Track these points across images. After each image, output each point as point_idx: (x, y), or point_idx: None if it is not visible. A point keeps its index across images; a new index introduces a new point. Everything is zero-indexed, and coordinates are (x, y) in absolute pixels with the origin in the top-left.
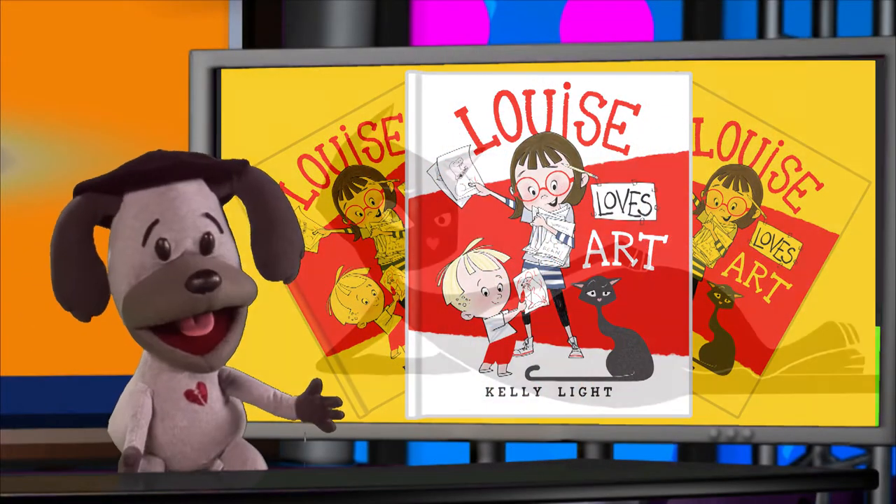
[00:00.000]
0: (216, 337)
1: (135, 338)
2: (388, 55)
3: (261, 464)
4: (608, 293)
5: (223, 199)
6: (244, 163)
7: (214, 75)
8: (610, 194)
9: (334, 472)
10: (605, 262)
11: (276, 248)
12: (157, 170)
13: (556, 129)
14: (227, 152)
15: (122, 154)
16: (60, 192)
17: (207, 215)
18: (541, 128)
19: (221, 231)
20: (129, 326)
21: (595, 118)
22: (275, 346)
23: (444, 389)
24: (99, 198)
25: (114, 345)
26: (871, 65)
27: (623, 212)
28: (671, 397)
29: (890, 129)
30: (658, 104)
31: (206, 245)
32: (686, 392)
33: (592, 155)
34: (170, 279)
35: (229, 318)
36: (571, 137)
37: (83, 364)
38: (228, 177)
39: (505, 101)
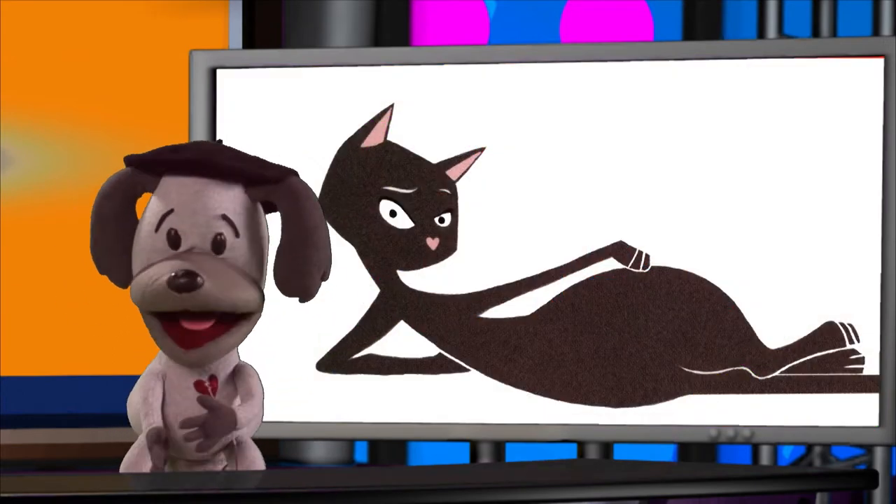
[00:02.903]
0: (210, 335)
1: (143, 319)
2: (388, 55)
3: (259, 465)
4: None
5: (265, 205)
6: (285, 171)
7: (214, 75)
8: None
9: (334, 472)
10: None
11: (293, 264)
12: (187, 161)
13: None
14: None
15: (122, 154)
16: (60, 192)
17: (224, 217)
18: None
19: (238, 235)
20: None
21: None
22: (274, 345)
23: (444, 389)
24: (140, 175)
25: (114, 345)
26: (874, 64)
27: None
28: (671, 397)
29: (891, 128)
30: None
31: (216, 246)
32: (686, 392)
33: None
34: (159, 273)
35: (231, 324)
36: None
37: (83, 364)
38: (266, 182)
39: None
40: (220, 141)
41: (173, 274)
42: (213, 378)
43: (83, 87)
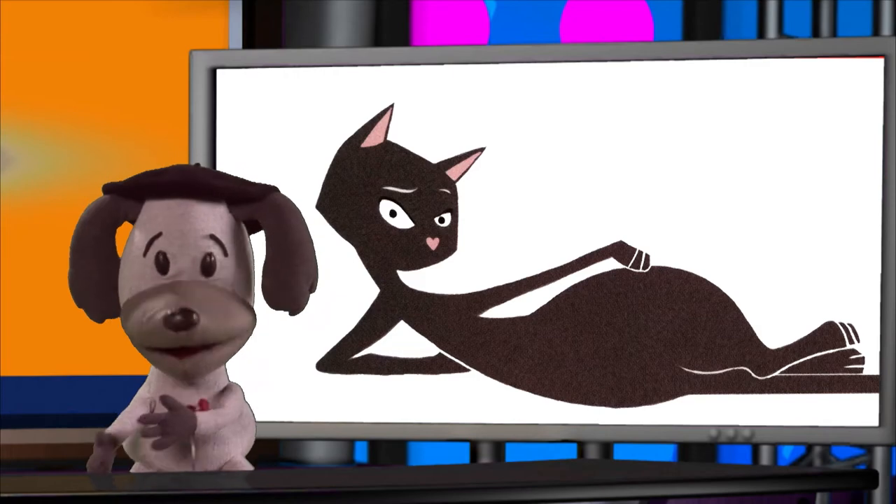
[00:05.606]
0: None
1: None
2: (388, 55)
3: None
4: None
5: (248, 223)
6: (267, 188)
7: (214, 75)
8: None
9: (334, 472)
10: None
11: (281, 279)
12: (170, 183)
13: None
14: (227, 153)
15: (122, 154)
16: (60, 192)
17: (212, 237)
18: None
19: (226, 254)
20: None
21: None
22: (274, 345)
23: (444, 389)
24: (121, 202)
25: (114, 345)
26: (874, 64)
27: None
28: (671, 397)
29: (891, 128)
30: None
31: (207, 267)
32: (686, 392)
33: None
34: (153, 310)
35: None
36: None
37: (83, 364)
38: (248, 200)
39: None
40: (198, 164)
41: (169, 312)
42: (202, 401)
43: (83, 87)
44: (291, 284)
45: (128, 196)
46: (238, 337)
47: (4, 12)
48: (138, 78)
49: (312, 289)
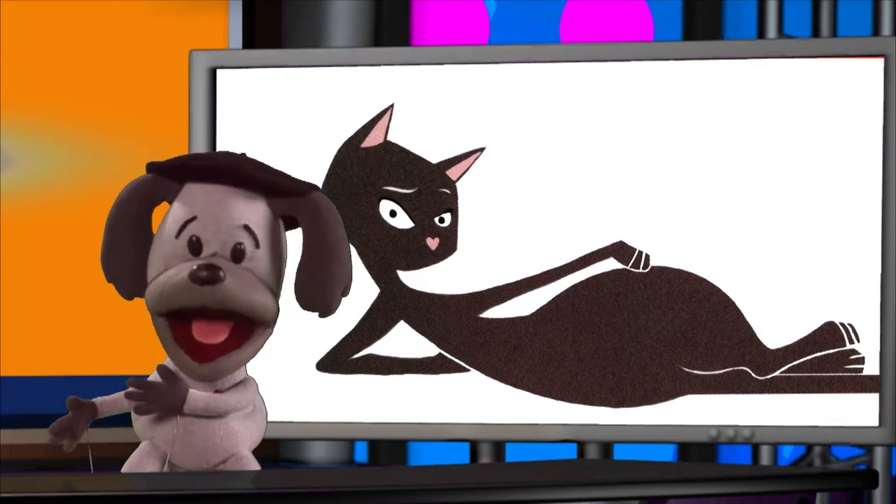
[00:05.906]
0: (223, 349)
1: (154, 325)
2: (388, 55)
3: None
4: None
5: (285, 218)
6: (308, 186)
7: (214, 75)
8: None
9: (334, 472)
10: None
11: (315, 279)
12: (212, 168)
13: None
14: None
15: (122, 154)
16: (60, 192)
17: (246, 227)
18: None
19: (258, 246)
20: (150, 311)
21: None
22: (274, 344)
23: (444, 389)
24: (162, 181)
25: (114, 345)
26: (874, 64)
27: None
28: (671, 397)
29: (891, 128)
30: None
31: (236, 255)
32: (686, 392)
33: None
34: (179, 270)
35: (246, 334)
36: None
37: (83, 364)
38: (288, 195)
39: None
40: (244, 153)
41: (195, 267)
42: (217, 392)
43: (83, 86)
44: (326, 286)
45: (169, 177)
46: (257, 333)
47: (4, 12)
48: (138, 78)
49: (346, 292)
